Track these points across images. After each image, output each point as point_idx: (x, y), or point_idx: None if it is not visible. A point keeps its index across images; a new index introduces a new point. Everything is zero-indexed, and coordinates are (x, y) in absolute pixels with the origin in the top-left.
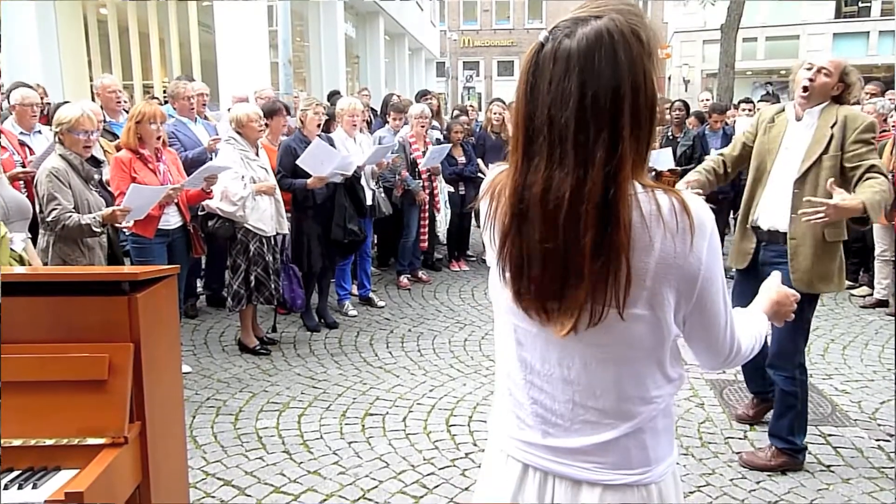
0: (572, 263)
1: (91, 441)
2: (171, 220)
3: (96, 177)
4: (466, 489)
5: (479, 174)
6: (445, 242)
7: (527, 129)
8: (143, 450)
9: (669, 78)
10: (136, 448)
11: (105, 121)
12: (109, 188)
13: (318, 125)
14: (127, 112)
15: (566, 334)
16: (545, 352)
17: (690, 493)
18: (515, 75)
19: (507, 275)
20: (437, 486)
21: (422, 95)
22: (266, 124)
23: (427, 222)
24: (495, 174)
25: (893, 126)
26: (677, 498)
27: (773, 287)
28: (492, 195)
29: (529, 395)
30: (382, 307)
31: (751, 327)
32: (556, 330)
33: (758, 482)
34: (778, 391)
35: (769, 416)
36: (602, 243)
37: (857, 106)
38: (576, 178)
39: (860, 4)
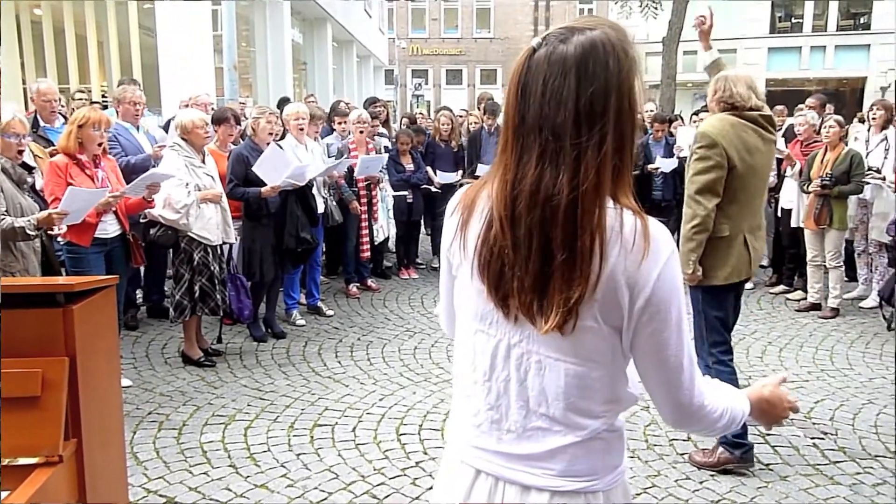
0: (560, 257)
1: (23, 461)
2: (109, 228)
3: (29, 180)
4: (417, 498)
5: (428, 183)
6: (395, 250)
7: (518, 127)
8: (79, 468)
9: None
10: (71, 467)
11: (40, 126)
12: (42, 194)
13: (271, 133)
14: (64, 117)
15: (549, 331)
16: (506, 356)
17: (637, 494)
18: (464, 84)
19: (487, 276)
20: (388, 497)
21: (371, 103)
22: (214, 130)
23: (367, 231)
24: (465, 190)
25: (826, 136)
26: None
27: (769, 384)
28: (464, 207)
29: (486, 400)
30: (331, 316)
31: (727, 397)
32: (540, 325)
33: (701, 482)
34: None
35: None
36: (589, 236)
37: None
38: (570, 175)
39: (793, 21)
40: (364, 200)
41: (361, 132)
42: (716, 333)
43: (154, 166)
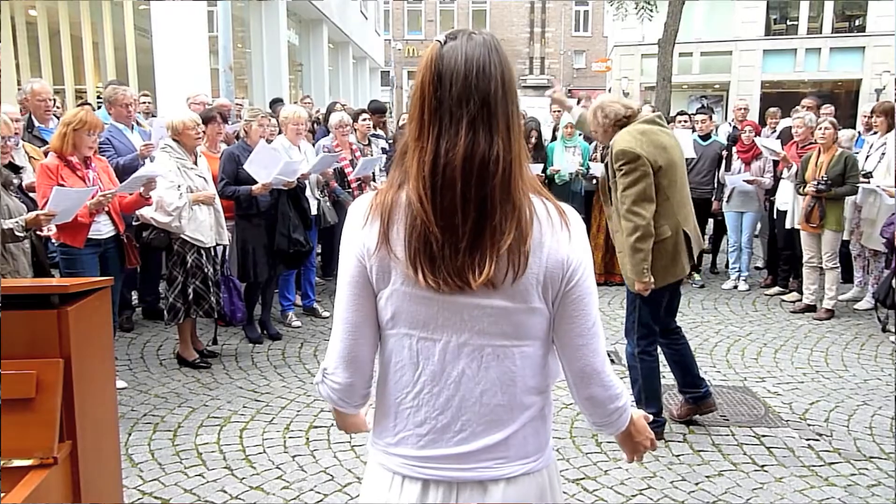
0: (496, 212)
1: (17, 463)
2: (103, 229)
3: (15, 181)
4: None
5: None
6: None
7: (435, 110)
8: (73, 470)
9: (609, 90)
10: (66, 469)
11: (34, 126)
12: (31, 195)
13: (262, 136)
14: (58, 118)
15: (484, 280)
16: (456, 355)
17: (633, 496)
18: None
19: (421, 264)
20: None
21: (378, 112)
22: (203, 132)
23: None
24: (369, 199)
25: (821, 138)
26: (557, 477)
27: (640, 413)
28: (380, 214)
29: (435, 405)
30: (327, 317)
31: (621, 382)
32: (475, 279)
33: (696, 484)
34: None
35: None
36: (520, 192)
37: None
38: (504, 139)
39: (788, 23)
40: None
41: (344, 135)
42: (644, 326)
43: (142, 165)
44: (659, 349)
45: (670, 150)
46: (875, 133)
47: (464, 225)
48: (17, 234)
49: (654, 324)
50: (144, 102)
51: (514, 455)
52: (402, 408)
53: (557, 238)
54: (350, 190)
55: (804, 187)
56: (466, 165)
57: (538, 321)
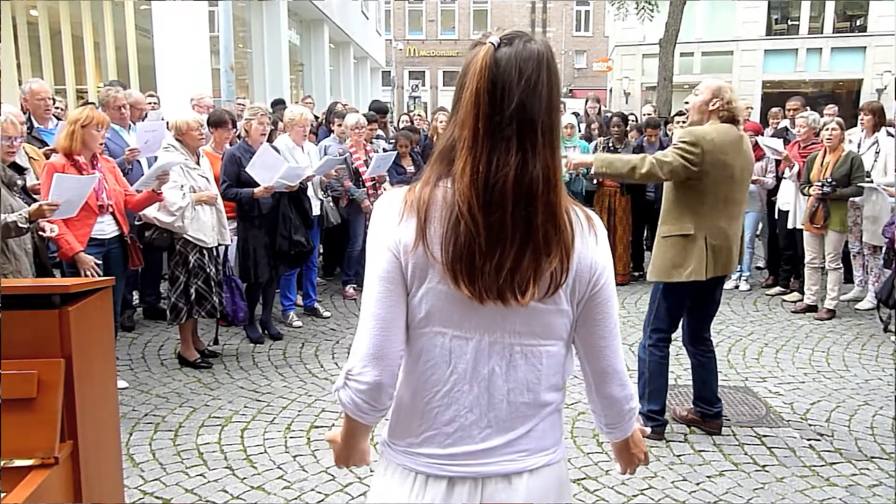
0: (538, 232)
1: (18, 463)
2: (107, 229)
3: (19, 182)
4: None
5: None
6: None
7: (491, 121)
8: (75, 470)
9: (611, 90)
10: (67, 469)
11: (33, 127)
12: (33, 195)
13: (263, 135)
14: (58, 119)
15: (525, 303)
16: (489, 353)
17: (633, 496)
18: None
19: (461, 272)
20: None
21: (382, 111)
22: (210, 132)
23: None
24: (401, 195)
25: (827, 139)
26: (567, 470)
27: (638, 427)
28: (417, 211)
29: (466, 402)
30: (328, 317)
31: (636, 390)
32: (516, 300)
33: (698, 484)
34: None
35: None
36: (563, 210)
37: (723, 125)
38: (545, 158)
39: (789, 23)
40: (372, 200)
41: (360, 136)
42: (660, 321)
43: (128, 170)
44: (683, 351)
45: (732, 166)
46: (864, 130)
47: (511, 245)
48: (20, 226)
49: (670, 321)
50: (151, 103)
51: (536, 448)
52: (430, 407)
53: (586, 242)
54: (364, 189)
55: (809, 187)
56: (516, 186)
57: (564, 322)
